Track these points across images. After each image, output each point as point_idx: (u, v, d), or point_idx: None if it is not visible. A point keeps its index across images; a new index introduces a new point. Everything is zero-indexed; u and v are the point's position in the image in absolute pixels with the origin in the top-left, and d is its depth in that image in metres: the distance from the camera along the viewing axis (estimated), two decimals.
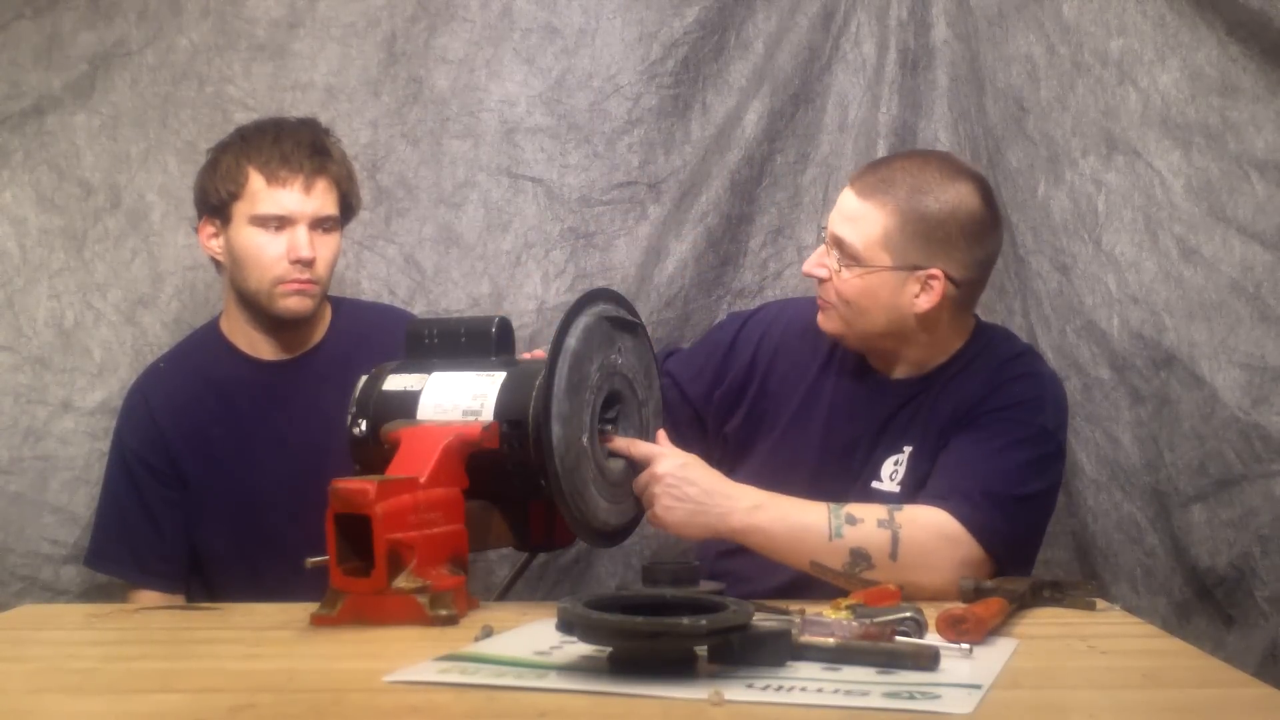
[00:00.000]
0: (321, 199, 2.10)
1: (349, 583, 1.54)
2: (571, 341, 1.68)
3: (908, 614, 1.40)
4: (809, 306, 2.00)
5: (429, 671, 1.26)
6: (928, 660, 1.24)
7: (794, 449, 1.99)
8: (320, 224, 2.10)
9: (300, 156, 2.08)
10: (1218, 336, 2.03)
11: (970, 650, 1.32)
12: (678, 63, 2.52)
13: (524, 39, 2.52)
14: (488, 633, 1.45)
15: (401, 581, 1.53)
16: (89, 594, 2.27)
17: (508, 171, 2.51)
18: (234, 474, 2.13)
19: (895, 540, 1.73)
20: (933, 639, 1.35)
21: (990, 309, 2.44)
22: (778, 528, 1.76)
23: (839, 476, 1.93)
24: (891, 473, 1.91)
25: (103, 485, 2.19)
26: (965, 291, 1.91)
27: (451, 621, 1.53)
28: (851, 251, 1.87)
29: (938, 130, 2.54)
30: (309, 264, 2.08)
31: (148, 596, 2.11)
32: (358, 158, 2.31)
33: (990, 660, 1.30)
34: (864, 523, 1.74)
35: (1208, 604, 2.05)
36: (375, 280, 2.47)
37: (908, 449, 1.91)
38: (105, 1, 2.41)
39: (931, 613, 1.40)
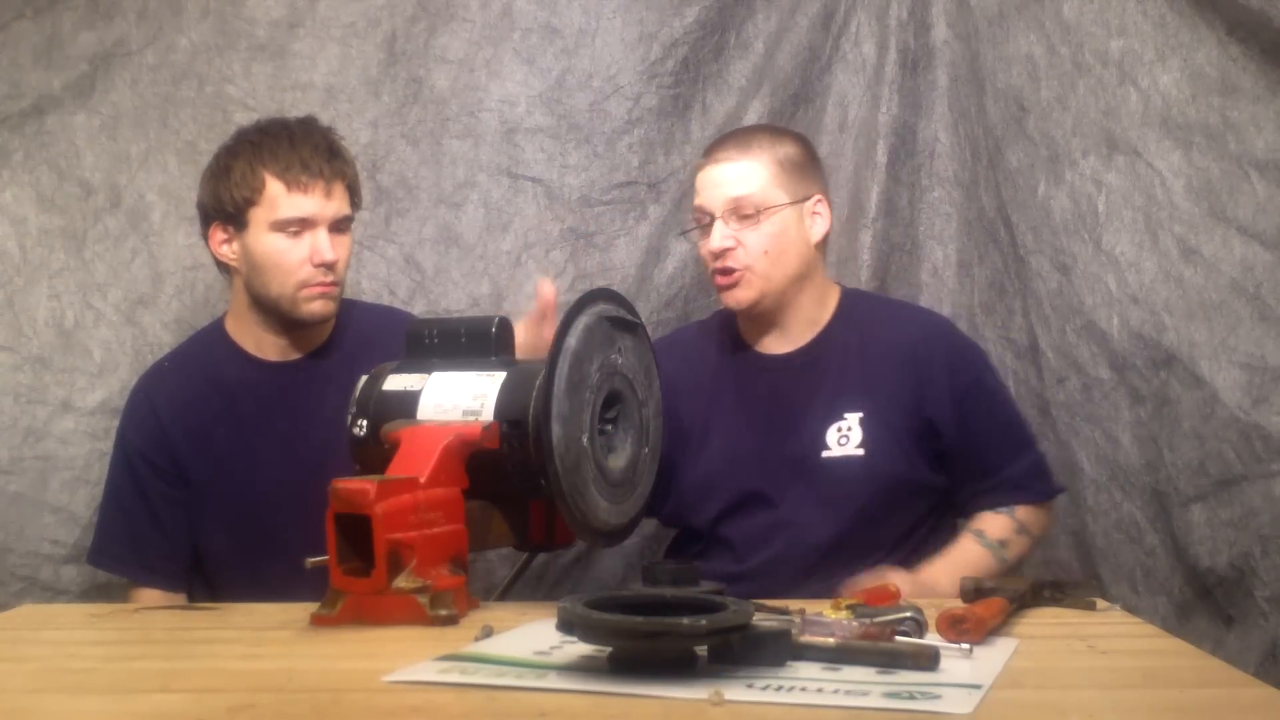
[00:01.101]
0: (339, 201, 2.10)
1: (349, 583, 1.54)
2: (571, 341, 1.68)
3: (908, 614, 1.40)
4: (689, 328, 2.24)
5: (429, 671, 1.26)
6: (928, 660, 1.24)
7: (731, 444, 2.07)
8: (337, 225, 2.10)
9: (319, 161, 2.08)
10: (1218, 336, 2.03)
11: (970, 650, 1.32)
12: (678, 63, 2.52)
13: (524, 39, 2.52)
14: (488, 633, 1.45)
15: (401, 581, 1.53)
16: (89, 594, 2.27)
17: (508, 171, 2.51)
18: (236, 474, 2.13)
19: (1031, 541, 2.04)
20: (933, 639, 1.35)
21: (990, 309, 2.44)
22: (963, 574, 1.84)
23: (786, 452, 2.03)
24: (840, 439, 2.02)
25: (106, 484, 2.19)
26: (832, 223, 2.15)
27: (451, 621, 1.53)
28: (753, 202, 2.03)
29: (938, 130, 2.54)
30: (331, 266, 2.08)
31: (149, 595, 2.11)
32: (358, 158, 2.31)
33: (990, 660, 1.30)
34: (1010, 543, 2.01)
35: (1208, 604, 2.05)
36: (375, 280, 2.47)
37: (855, 415, 2.01)
38: (105, 1, 2.41)
39: (931, 613, 1.40)
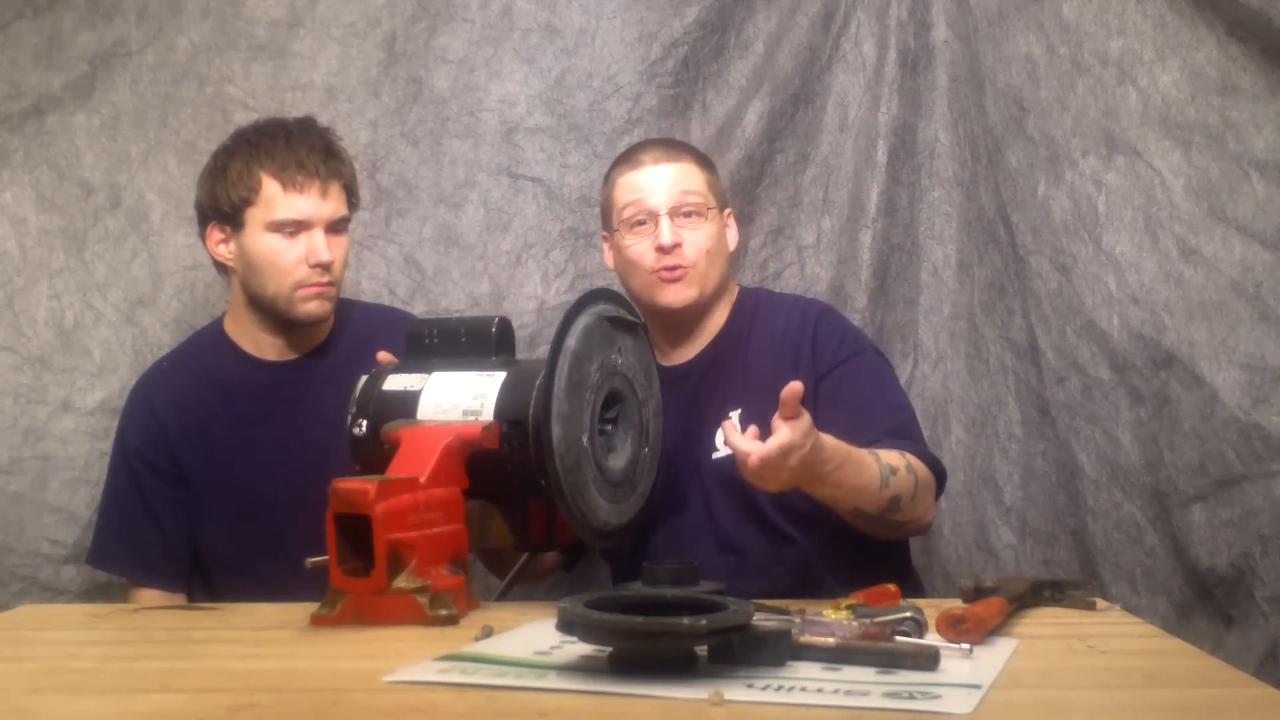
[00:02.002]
0: (335, 201, 2.10)
1: (349, 583, 1.54)
2: (571, 341, 1.68)
3: (908, 614, 1.40)
4: None
5: (429, 671, 1.26)
6: (928, 660, 1.24)
7: None
8: (334, 226, 2.10)
9: (315, 161, 2.08)
10: (1218, 336, 2.03)
11: (970, 650, 1.32)
12: (678, 63, 2.52)
13: (524, 39, 2.52)
14: (488, 633, 1.45)
15: (401, 581, 1.53)
16: (89, 594, 2.27)
17: (508, 171, 2.51)
18: (236, 474, 2.13)
19: (915, 484, 1.87)
20: (933, 639, 1.36)
21: (990, 309, 2.44)
22: (848, 482, 1.80)
23: (687, 462, 2.04)
24: (724, 439, 2.00)
25: (105, 484, 2.19)
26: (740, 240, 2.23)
27: (451, 621, 1.53)
28: (699, 201, 2.06)
29: (938, 130, 2.54)
30: (327, 267, 2.09)
31: (149, 595, 2.11)
32: (358, 158, 2.31)
33: (990, 660, 1.30)
34: (899, 472, 1.85)
35: (1208, 604, 2.05)
36: (375, 280, 2.47)
37: (736, 411, 2.00)
38: (105, 1, 2.41)
39: (931, 613, 1.41)
